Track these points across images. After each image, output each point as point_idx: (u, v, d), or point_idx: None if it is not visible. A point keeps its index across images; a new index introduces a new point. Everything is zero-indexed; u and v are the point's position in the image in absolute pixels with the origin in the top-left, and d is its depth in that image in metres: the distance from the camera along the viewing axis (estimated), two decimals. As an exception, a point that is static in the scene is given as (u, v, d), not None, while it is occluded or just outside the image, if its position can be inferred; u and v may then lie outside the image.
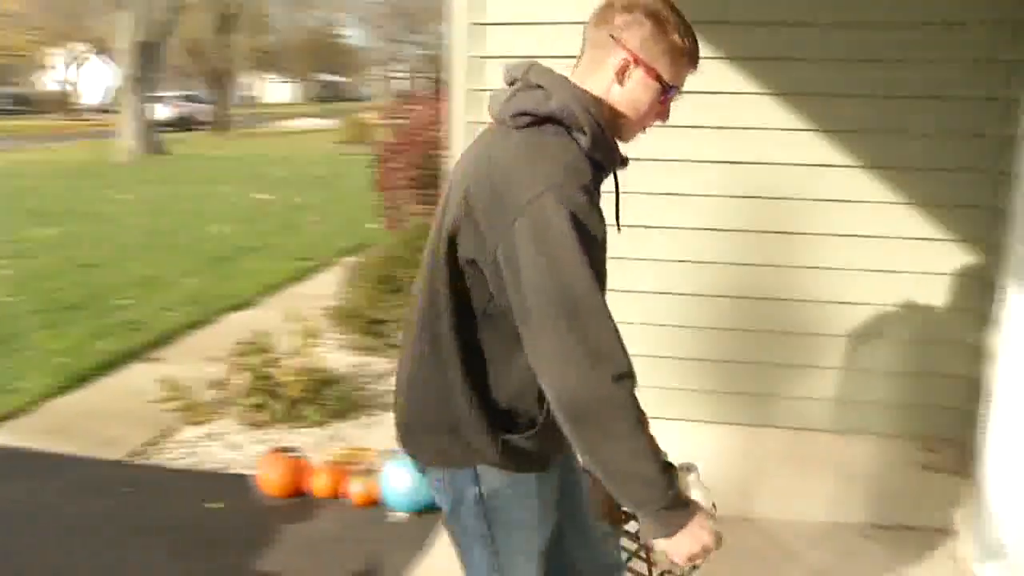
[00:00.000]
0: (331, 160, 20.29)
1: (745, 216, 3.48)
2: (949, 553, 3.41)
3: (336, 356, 5.64)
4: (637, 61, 1.76)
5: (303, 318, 4.92)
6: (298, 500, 3.85)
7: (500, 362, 1.79)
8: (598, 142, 1.74)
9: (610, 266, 1.74)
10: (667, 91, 1.79)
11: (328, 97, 64.69)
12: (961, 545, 3.41)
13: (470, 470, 1.83)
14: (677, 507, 1.68)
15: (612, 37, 1.76)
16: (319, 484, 3.88)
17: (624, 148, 1.83)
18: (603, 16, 1.79)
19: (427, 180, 7.55)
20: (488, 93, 1.91)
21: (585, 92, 1.77)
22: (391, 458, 3.79)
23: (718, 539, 1.72)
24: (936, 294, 3.40)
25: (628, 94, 1.78)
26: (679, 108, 1.87)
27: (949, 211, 3.34)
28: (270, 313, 6.56)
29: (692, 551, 1.69)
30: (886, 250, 3.39)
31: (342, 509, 3.79)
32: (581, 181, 1.66)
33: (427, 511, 3.70)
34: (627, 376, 1.62)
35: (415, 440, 1.92)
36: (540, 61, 1.83)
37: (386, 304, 5.32)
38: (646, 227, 3.50)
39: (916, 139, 3.31)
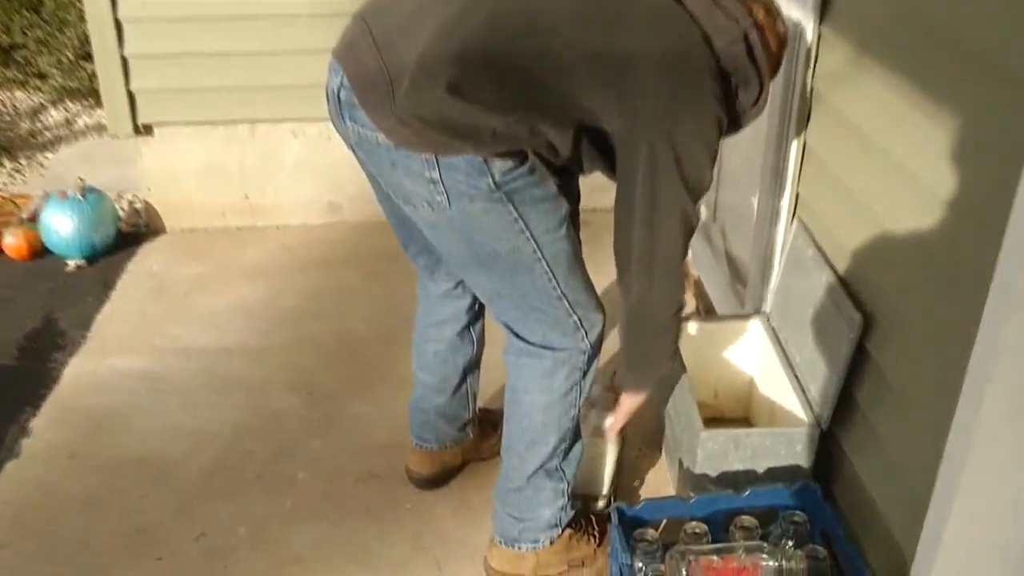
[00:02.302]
0: None
1: None
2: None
3: (-30, 94, 4.84)
4: None
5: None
6: (-55, 267, 3.33)
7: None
8: None
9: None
10: None
11: None
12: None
13: (475, 159, 1.60)
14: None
15: None
16: (-33, 244, 3.35)
17: None
18: None
19: None
20: None
21: None
22: (50, 202, 3.31)
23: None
24: None
25: None
26: None
27: None
28: None
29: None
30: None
31: (2, 267, 3.31)
32: None
33: (103, 255, 3.33)
34: None
35: (398, 124, 1.60)
36: None
37: (20, 25, 4.51)
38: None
39: None
